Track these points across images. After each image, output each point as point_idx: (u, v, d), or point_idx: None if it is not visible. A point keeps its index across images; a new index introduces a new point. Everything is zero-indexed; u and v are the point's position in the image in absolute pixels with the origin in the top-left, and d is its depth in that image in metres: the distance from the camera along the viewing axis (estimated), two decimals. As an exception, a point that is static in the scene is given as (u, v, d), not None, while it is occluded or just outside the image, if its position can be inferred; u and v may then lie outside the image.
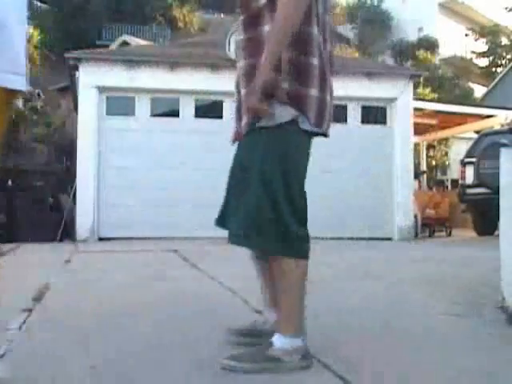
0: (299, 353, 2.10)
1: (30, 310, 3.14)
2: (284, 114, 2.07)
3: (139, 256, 6.76)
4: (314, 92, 2.10)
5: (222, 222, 2.27)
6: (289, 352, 2.09)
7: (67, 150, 12.97)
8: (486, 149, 9.89)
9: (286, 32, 2.01)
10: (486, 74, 32.66)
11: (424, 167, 15.34)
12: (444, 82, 28.53)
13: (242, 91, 2.16)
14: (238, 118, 2.21)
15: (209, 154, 9.28)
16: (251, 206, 2.08)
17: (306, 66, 2.09)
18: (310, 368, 2.11)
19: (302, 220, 2.14)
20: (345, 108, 10.63)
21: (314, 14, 2.11)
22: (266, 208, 2.07)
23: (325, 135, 2.23)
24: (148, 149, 9.74)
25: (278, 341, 2.12)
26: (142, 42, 20.23)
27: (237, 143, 2.24)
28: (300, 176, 2.15)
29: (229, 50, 10.01)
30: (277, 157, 2.08)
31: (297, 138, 2.12)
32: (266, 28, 2.08)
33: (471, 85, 32.99)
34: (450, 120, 13.69)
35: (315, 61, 2.10)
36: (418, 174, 13.36)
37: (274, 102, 2.05)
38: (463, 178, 10.94)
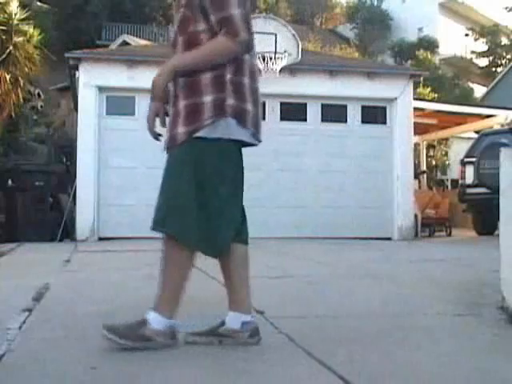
0: (171, 331, 2.33)
1: (29, 310, 3.14)
2: (228, 128, 2.31)
3: (139, 256, 6.76)
4: (249, 106, 2.36)
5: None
6: (161, 333, 2.31)
7: (67, 150, 12.97)
8: (485, 149, 9.90)
9: (204, 61, 2.31)
10: (486, 74, 32.66)
11: (424, 167, 15.33)
12: (444, 81, 28.53)
13: (181, 103, 2.38)
14: (172, 128, 2.45)
15: (209, 153, 9.27)
16: (172, 207, 2.45)
17: (241, 86, 2.34)
18: (178, 347, 2.33)
19: (238, 219, 2.41)
20: (345, 108, 10.64)
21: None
22: (185, 209, 2.38)
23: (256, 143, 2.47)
24: (148, 149, 9.72)
25: (154, 321, 2.31)
26: (142, 42, 20.23)
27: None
28: (241, 182, 2.42)
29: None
30: (213, 167, 2.33)
31: (231, 149, 2.37)
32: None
33: (471, 85, 32.99)
34: (450, 120, 13.69)
35: (247, 80, 2.36)
36: (417, 174, 13.36)
37: (219, 117, 2.29)
38: (463, 177, 10.94)
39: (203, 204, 2.34)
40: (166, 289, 2.40)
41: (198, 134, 2.32)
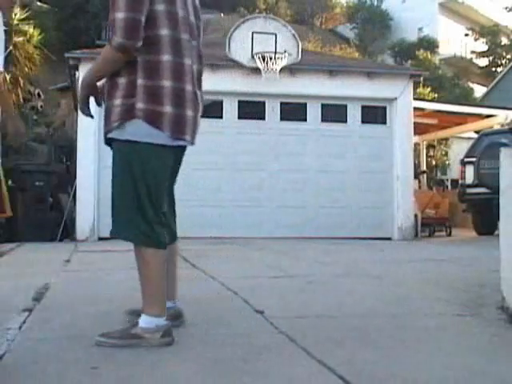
0: (161, 331, 2.41)
1: (30, 310, 3.14)
2: (137, 131, 2.41)
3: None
4: (167, 109, 2.42)
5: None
6: (151, 330, 2.40)
7: (67, 150, 12.98)
8: (485, 149, 9.90)
9: (101, 70, 2.49)
10: (486, 74, 32.67)
11: (424, 167, 15.33)
12: (444, 81, 28.53)
13: (105, 104, 2.51)
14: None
15: (208, 153, 9.28)
16: (115, 208, 2.51)
17: (157, 89, 2.41)
18: (172, 345, 2.41)
19: (157, 218, 2.48)
20: (345, 108, 10.64)
21: (168, 42, 2.43)
22: (124, 209, 2.47)
23: (190, 144, 2.57)
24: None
25: (143, 321, 2.43)
26: (142, 42, 20.21)
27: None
28: (156, 182, 2.47)
29: (229, 49, 10.02)
30: (127, 167, 2.44)
31: (150, 152, 2.43)
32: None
33: (471, 85, 32.99)
34: (449, 120, 13.69)
35: (167, 83, 2.42)
36: (417, 174, 13.36)
37: (131, 121, 2.40)
38: (463, 177, 10.94)
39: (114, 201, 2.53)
40: (147, 290, 2.48)
41: (110, 135, 2.47)
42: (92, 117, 2.62)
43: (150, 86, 2.40)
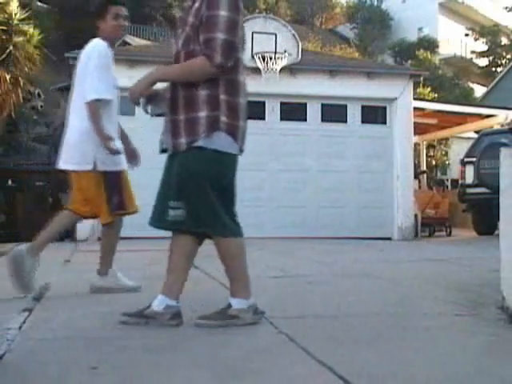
0: (252, 309, 2.78)
1: (30, 310, 3.14)
2: (222, 142, 2.70)
3: (139, 256, 6.76)
4: (241, 123, 2.76)
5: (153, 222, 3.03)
6: (245, 310, 2.76)
7: (67, 150, 12.94)
8: (485, 149, 9.89)
9: (182, 76, 2.73)
10: (486, 74, 32.65)
11: (424, 167, 15.33)
12: (444, 81, 28.52)
13: (182, 116, 2.74)
14: (174, 137, 2.82)
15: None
16: (196, 208, 2.78)
17: (236, 105, 2.73)
18: (261, 321, 2.79)
19: (232, 213, 2.86)
20: (345, 108, 10.64)
21: (241, 64, 2.77)
22: (207, 208, 2.76)
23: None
24: (148, 149, 9.70)
25: (236, 303, 2.77)
26: (142, 42, 20.24)
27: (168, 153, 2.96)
28: (230, 183, 2.85)
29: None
30: (208, 172, 2.73)
31: (229, 160, 2.79)
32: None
33: (471, 85, 32.97)
34: (449, 120, 13.68)
35: (241, 100, 2.76)
36: (417, 174, 13.36)
37: (216, 132, 2.68)
38: (463, 177, 10.94)
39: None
40: (235, 277, 2.82)
41: (196, 144, 2.70)
42: (147, 112, 2.99)
43: (230, 101, 2.71)
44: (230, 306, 2.78)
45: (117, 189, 3.92)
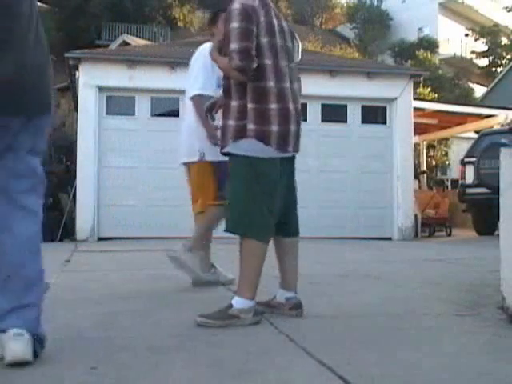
0: (253, 310, 2.83)
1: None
2: (250, 147, 2.84)
3: (139, 256, 6.76)
4: (274, 128, 2.86)
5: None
6: (245, 311, 2.80)
7: (67, 150, 12.98)
8: (486, 149, 9.88)
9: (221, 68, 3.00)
10: (486, 74, 32.66)
11: (424, 167, 15.33)
12: (444, 81, 28.54)
13: (221, 122, 2.99)
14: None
15: (209, 153, 9.27)
16: (232, 208, 2.97)
17: (264, 111, 2.85)
18: (260, 322, 2.82)
19: (265, 216, 2.92)
20: (345, 108, 10.64)
21: (271, 70, 2.90)
22: (238, 209, 2.92)
23: (294, 152, 3.07)
24: (148, 149, 9.73)
25: (237, 302, 2.81)
26: (142, 42, 20.22)
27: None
28: (266, 186, 2.93)
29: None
30: (242, 175, 2.91)
31: (260, 163, 2.88)
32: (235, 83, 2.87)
33: (471, 85, 32.98)
34: (450, 120, 13.68)
35: (273, 105, 2.86)
36: (417, 174, 13.36)
37: (244, 139, 2.84)
38: (463, 177, 10.94)
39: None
40: (247, 276, 2.89)
41: (226, 150, 2.91)
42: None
43: (258, 109, 2.84)
44: (231, 305, 2.81)
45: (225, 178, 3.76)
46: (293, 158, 3.14)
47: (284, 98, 2.92)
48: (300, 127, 3.03)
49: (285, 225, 3.13)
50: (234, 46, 2.80)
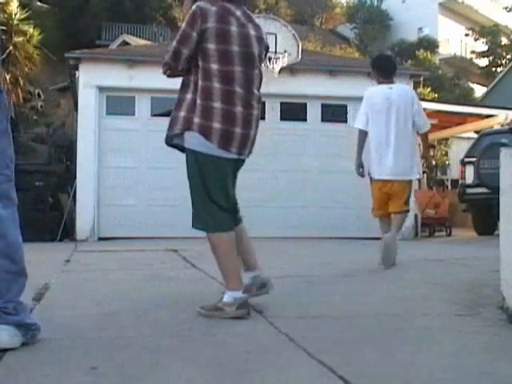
0: (237, 303, 2.92)
1: (30, 310, 3.14)
2: (195, 141, 3.00)
3: (139, 256, 6.76)
4: (216, 125, 2.99)
5: None
6: (228, 304, 2.93)
7: (67, 150, 12.98)
8: (486, 149, 9.89)
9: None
10: (486, 74, 32.66)
11: (424, 167, 15.31)
12: (444, 81, 28.54)
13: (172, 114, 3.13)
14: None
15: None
16: (192, 204, 3.10)
17: (209, 108, 3.00)
18: (246, 317, 2.90)
19: (217, 208, 3.02)
20: (345, 108, 10.63)
21: (215, 73, 3.01)
22: (195, 203, 3.07)
23: (238, 157, 3.12)
24: (148, 149, 9.73)
25: (226, 296, 2.96)
26: (142, 42, 20.23)
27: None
28: (211, 182, 3.03)
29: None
30: (195, 170, 3.04)
31: (207, 160, 3.01)
32: (192, 77, 3.06)
33: (471, 85, 32.97)
34: (450, 120, 13.68)
35: (217, 104, 3.00)
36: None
37: (188, 132, 3.02)
38: (463, 177, 10.94)
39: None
40: (223, 268, 3.03)
41: (174, 141, 3.12)
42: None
43: (204, 105, 3.00)
44: (221, 298, 2.99)
45: None
46: (242, 161, 3.22)
47: (231, 101, 3.03)
48: (254, 132, 3.13)
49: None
50: (173, 43, 3.06)
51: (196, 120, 2.99)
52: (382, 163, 5.41)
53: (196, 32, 2.98)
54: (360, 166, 5.73)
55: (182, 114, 3.03)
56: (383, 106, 5.24)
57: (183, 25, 3.04)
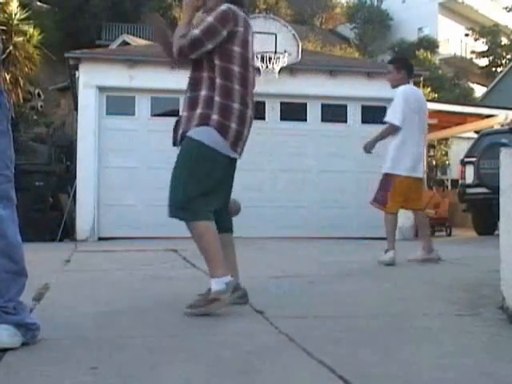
0: (230, 288, 2.96)
1: (30, 310, 3.14)
2: (209, 136, 3.02)
3: (139, 256, 6.76)
4: (233, 125, 3.06)
5: None
6: (223, 291, 2.92)
7: (67, 150, 12.98)
8: (486, 149, 9.88)
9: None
10: (486, 74, 32.65)
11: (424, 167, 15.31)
12: (444, 82, 28.53)
13: (184, 113, 3.14)
14: (176, 130, 3.17)
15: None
16: (173, 191, 3.12)
17: (229, 107, 3.06)
18: (244, 302, 3.05)
19: (206, 204, 3.03)
20: (345, 108, 10.63)
21: (236, 74, 3.10)
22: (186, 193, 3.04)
23: (239, 157, 3.19)
24: (148, 149, 9.73)
25: (215, 284, 2.94)
26: (142, 42, 20.21)
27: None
28: (210, 178, 3.06)
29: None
30: (190, 159, 3.05)
31: (213, 155, 3.04)
32: (205, 74, 3.08)
33: (471, 85, 32.97)
34: (450, 120, 13.67)
35: (236, 105, 3.08)
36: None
37: (205, 126, 3.02)
38: (463, 177, 10.93)
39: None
40: (209, 257, 3.03)
41: (187, 134, 3.07)
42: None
43: (224, 103, 3.05)
44: (208, 289, 2.98)
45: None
46: (235, 163, 3.28)
47: (246, 104, 3.14)
48: (249, 134, 3.24)
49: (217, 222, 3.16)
50: (196, 32, 3.05)
51: (214, 117, 3.03)
52: (418, 161, 5.75)
53: (227, 31, 3.05)
54: (371, 147, 6.14)
55: (199, 110, 3.05)
56: (416, 107, 5.63)
57: (211, 19, 3.05)
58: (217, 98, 3.05)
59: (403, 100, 5.58)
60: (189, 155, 3.05)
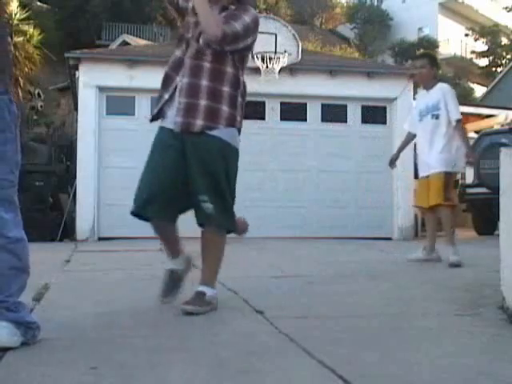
0: (216, 297, 3.12)
1: (30, 310, 3.14)
2: (235, 138, 3.16)
3: (139, 256, 6.76)
4: (239, 118, 3.14)
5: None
6: (215, 297, 3.11)
7: (67, 150, 12.98)
8: (486, 149, 9.88)
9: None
10: (486, 74, 32.63)
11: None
12: (444, 81, 28.47)
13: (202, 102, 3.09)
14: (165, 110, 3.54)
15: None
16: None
17: (243, 109, 3.16)
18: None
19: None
20: (345, 108, 10.63)
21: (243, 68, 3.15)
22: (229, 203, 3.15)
23: None
24: (148, 149, 9.70)
25: (209, 291, 3.07)
26: (142, 42, 20.22)
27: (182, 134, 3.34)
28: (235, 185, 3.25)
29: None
30: (235, 169, 3.20)
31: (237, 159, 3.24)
32: (207, 64, 3.04)
33: (471, 85, 32.96)
34: (449, 120, 13.66)
35: (240, 98, 3.13)
36: (418, 174, 13.32)
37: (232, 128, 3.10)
38: (463, 177, 10.94)
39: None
40: (215, 268, 3.16)
41: (223, 137, 3.17)
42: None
43: (242, 104, 3.15)
44: (203, 293, 3.05)
45: None
46: None
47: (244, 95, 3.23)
48: None
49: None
50: (238, 26, 3.01)
51: (238, 118, 3.13)
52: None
53: (253, 38, 3.14)
54: (472, 156, 6.10)
55: (225, 108, 3.06)
56: None
57: (248, 20, 3.05)
58: (240, 99, 3.11)
59: (455, 96, 5.62)
60: (235, 167, 3.17)
